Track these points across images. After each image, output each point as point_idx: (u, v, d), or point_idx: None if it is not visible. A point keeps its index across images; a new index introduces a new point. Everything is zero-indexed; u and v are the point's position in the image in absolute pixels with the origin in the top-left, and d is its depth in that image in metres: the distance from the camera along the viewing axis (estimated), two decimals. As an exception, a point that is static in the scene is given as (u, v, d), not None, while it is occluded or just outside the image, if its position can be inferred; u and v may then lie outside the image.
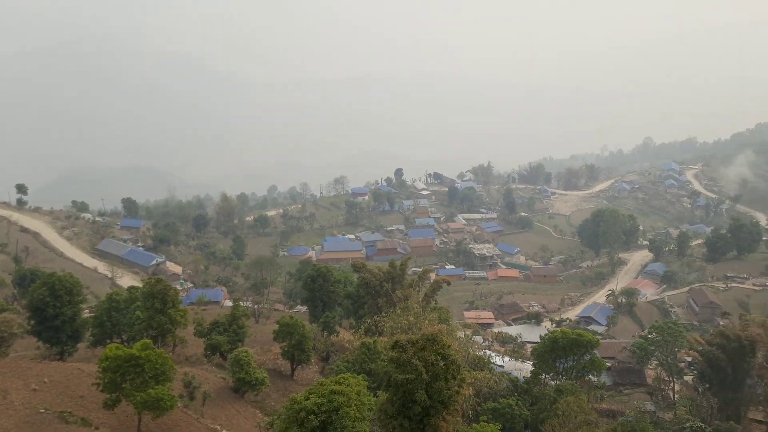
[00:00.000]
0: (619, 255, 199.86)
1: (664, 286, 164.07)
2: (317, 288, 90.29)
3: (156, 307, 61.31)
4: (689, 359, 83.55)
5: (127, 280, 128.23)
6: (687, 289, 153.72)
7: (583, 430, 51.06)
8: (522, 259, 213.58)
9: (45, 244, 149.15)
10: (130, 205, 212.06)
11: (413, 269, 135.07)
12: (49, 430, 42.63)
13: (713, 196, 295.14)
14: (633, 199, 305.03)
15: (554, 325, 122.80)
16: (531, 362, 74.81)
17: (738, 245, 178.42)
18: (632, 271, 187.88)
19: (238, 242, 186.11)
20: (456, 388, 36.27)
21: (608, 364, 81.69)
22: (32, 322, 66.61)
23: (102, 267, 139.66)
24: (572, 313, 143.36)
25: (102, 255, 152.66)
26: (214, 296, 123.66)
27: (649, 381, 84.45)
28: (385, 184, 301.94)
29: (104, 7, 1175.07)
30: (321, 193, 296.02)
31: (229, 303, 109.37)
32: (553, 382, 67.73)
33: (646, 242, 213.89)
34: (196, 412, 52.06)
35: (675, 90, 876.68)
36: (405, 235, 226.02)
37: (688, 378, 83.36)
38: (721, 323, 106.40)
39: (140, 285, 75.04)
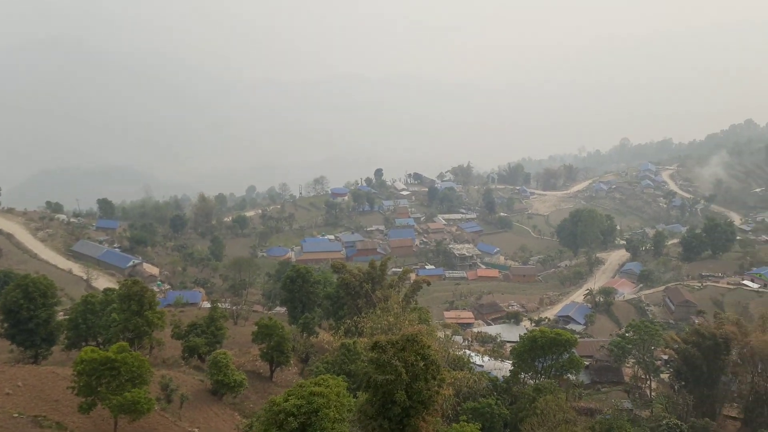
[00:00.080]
0: (597, 254, 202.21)
1: (641, 285, 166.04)
2: (296, 289, 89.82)
3: (132, 309, 60.36)
4: (665, 357, 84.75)
5: (103, 282, 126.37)
6: (663, 288, 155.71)
7: (562, 428, 51.37)
8: (501, 259, 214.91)
9: (19, 246, 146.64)
10: (105, 205, 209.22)
11: (393, 270, 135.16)
12: (22, 435, 41.78)
13: (688, 196, 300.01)
14: (610, 199, 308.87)
15: (533, 324, 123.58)
16: (510, 361, 75.17)
17: (713, 245, 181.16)
18: (609, 270, 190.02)
19: (216, 243, 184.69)
20: (436, 388, 36.22)
21: (586, 363, 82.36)
22: (5, 324, 65.19)
23: (77, 269, 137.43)
24: (551, 313, 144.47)
25: (77, 256, 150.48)
26: (191, 298, 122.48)
27: (627, 379, 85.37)
28: (364, 184, 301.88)
29: (76, 6, 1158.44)
30: (300, 193, 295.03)
31: (207, 305, 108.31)
32: (532, 381, 68.08)
33: (623, 242, 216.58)
34: (173, 415, 51.43)
35: (649, 89, 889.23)
36: (385, 236, 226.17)
37: (664, 376, 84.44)
38: (696, 322, 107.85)
39: (116, 287, 73.92)
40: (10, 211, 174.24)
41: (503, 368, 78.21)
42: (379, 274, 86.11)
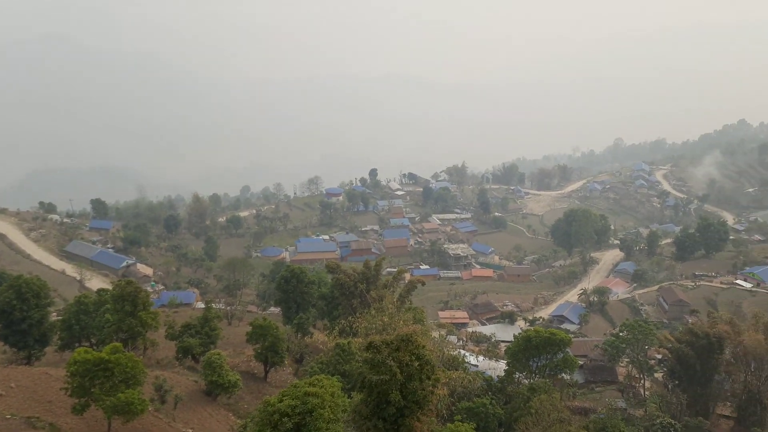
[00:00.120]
0: (591, 254, 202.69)
1: (635, 284, 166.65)
2: (291, 289, 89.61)
3: (126, 310, 60.16)
4: (659, 356, 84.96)
5: (97, 283, 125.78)
6: (657, 287, 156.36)
7: (556, 427, 51.47)
8: (496, 259, 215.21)
9: (11, 246, 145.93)
10: (99, 206, 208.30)
11: (388, 269, 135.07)
12: (15, 436, 41.58)
13: (682, 196, 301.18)
14: (604, 199, 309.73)
15: (528, 324, 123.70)
16: (505, 361, 75.23)
17: (706, 244, 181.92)
18: (604, 270, 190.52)
19: (211, 243, 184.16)
20: (430, 388, 36.26)
21: (580, 362, 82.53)
22: (-2, 326, 65.03)
23: (70, 269, 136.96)
24: (545, 312, 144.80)
25: (70, 257, 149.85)
26: (185, 298, 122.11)
27: (621, 378, 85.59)
28: (359, 184, 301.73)
29: (70, 3, 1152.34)
30: (295, 193, 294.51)
31: (201, 305, 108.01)
32: (526, 381, 68.17)
33: (617, 241, 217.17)
34: (167, 416, 51.27)
35: (646, 88, 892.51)
36: (379, 236, 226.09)
37: (658, 375, 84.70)
38: (689, 321, 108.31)
39: (110, 287, 73.60)
40: (2, 212, 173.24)
41: (498, 368, 78.22)
42: (373, 274, 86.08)
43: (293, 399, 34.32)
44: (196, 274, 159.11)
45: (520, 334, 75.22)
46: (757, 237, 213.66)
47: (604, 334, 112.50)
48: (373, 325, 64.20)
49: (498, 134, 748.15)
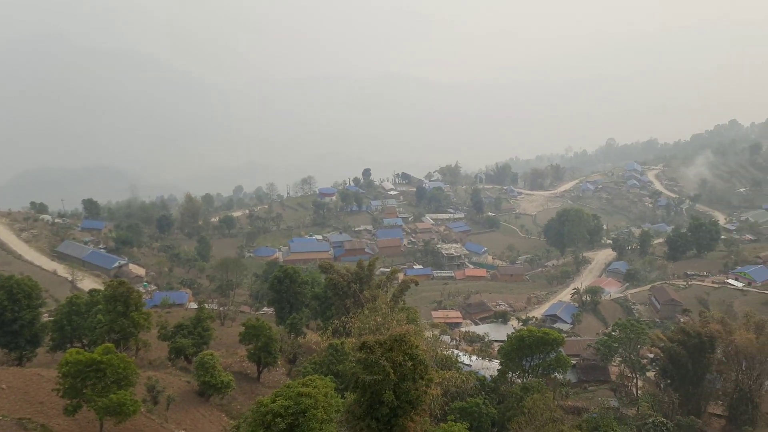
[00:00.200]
0: (584, 254, 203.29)
1: (627, 284, 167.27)
2: (284, 289, 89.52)
3: (118, 311, 59.93)
4: (651, 356, 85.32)
5: (89, 283, 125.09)
6: (649, 286, 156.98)
7: (549, 427, 51.57)
8: (489, 259, 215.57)
9: (2, 247, 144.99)
10: (91, 206, 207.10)
11: (381, 269, 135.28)
12: (6, 438, 41.39)
13: (674, 195, 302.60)
14: (597, 199, 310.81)
15: (521, 323, 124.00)
16: (498, 361, 75.34)
17: (698, 244, 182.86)
18: (596, 269, 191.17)
19: (203, 243, 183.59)
20: (424, 388, 36.26)
21: (573, 362, 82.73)
22: (-11, 326, 64.60)
23: (62, 270, 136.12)
24: (538, 312, 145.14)
25: (62, 257, 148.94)
26: (178, 299, 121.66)
27: (613, 378, 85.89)
28: (352, 184, 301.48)
29: (64, 2, 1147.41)
30: (288, 193, 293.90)
31: (193, 305, 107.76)
32: (519, 381, 68.29)
33: (609, 241, 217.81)
34: (159, 417, 51.11)
35: (643, 87, 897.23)
36: (373, 236, 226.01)
37: (650, 374, 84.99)
38: (681, 320, 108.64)
39: (102, 288, 73.33)
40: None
41: (491, 368, 78.33)
42: (367, 274, 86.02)
43: (286, 399, 34.28)
44: (189, 274, 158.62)
45: (513, 333, 75.39)
46: (748, 237, 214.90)
47: (597, 333, 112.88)
48: (367, 325, 64.07)
49: (495, 132, 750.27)
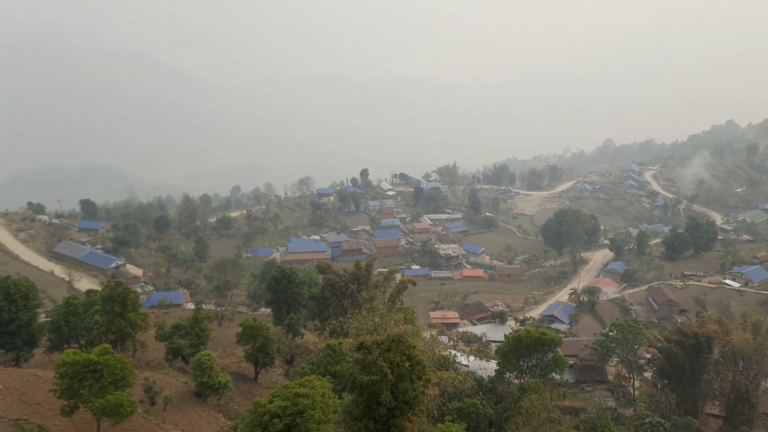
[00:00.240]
0: (581, 254, 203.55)
1: (625, 284, 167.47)
2: (281, 290, 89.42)
3: (115, 311, 59.81)
4: (649, 356, 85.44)
5: (86, 284, 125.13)
6: (646, 287, 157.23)
7: (547, 427, 51.59)
8: (487, 259, 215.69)
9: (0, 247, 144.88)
10: (88, 206, 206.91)
11: (379, 270, 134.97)
12: (3, 438, 41.33)
13: (671, 196, 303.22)
14: (594, 199, 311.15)
15: (518, 324, 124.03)
16: (495, 361, 75.35)
17: (695, 244, 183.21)
18: (594, 269, 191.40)
19: (201, 244, 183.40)
20: (421, 388, 36.25)
21: (571, 362, 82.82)
22: (-14, 327, 64.46)
23: (59, 270, 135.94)
24: (536, 312, 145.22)
25: (59, 258, 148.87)
26: (175, 299, 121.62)
27: (610, 378, 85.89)
28: (350, 184, 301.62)
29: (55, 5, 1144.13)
30: (286, 193, 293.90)
31: (191, 306, 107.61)
32: (517, 381, 68.30)
33: (607, 241, 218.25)
34: (157, 418, 51.03)
35: (641, 86, 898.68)
36: (370, 236, 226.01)
37: (647, 374, 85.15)
38: (678, 320, 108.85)
39: (99, 288, 73.22)
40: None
41: (488, 368, 78.31)
42: (364, 274, 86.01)
43: (284, 400, 34.27)
44: (186, 274, 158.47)
45: (510, 334, 75.29)
46: (745, 237, 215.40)
47: (594, 333, 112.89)
48: (364, 326, 64.07)
49: (493, 131, 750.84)
